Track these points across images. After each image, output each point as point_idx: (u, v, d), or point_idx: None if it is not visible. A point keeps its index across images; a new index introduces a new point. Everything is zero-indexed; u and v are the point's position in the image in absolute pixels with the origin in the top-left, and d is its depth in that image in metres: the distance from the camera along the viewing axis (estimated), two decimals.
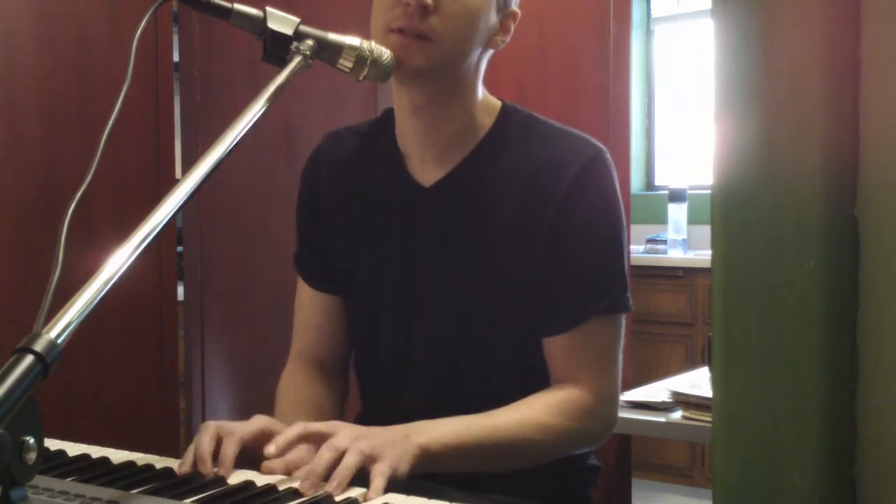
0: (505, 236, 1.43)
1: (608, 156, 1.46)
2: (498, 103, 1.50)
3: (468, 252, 1.45)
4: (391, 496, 1.12)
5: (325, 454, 1.15)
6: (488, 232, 1.44)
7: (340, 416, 1.55)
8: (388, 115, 1.52)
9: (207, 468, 1.18)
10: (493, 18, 1.42)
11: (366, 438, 1.19)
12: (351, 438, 1.18)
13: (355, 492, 1.13)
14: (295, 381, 1.56)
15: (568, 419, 1.37)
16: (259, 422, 1.28)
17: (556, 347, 1.43)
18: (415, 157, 1.48)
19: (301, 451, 1.23)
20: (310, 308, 1.60)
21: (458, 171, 1.46)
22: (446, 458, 1.26)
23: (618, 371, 1.45)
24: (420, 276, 1.47)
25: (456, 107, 1.44)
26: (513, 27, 1.46)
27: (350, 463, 1.14)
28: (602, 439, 1.47)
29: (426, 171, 1.47)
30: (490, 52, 1.47)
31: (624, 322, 1.47)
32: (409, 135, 1.48)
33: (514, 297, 1.43)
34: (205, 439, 1.21)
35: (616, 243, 1.44)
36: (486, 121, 1.47)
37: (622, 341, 1.46)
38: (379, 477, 1.14)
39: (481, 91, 1.48)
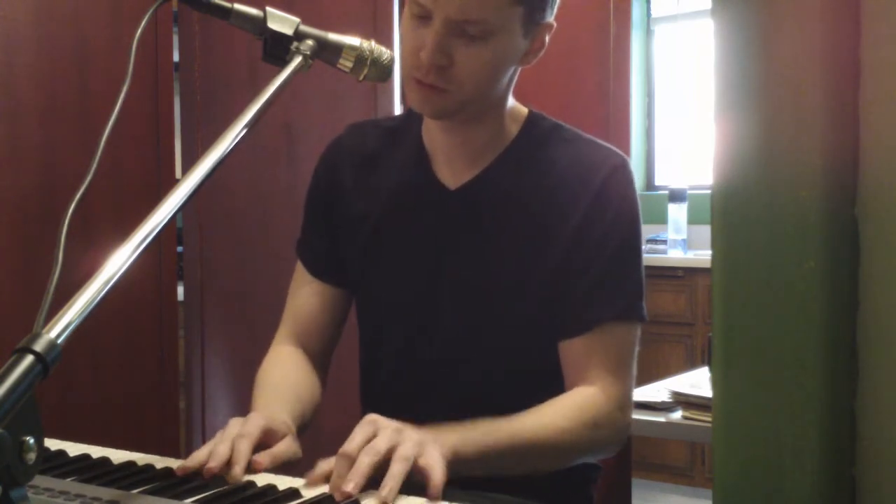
0: (528, 242, 1.43)
1: (630, 165, 1.47)
2: (525, 111, 1.50)
3: (490, 256, 1.44)
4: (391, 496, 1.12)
5: (365, 459, 1.13)
6: (512, 237, 1.44)
7: (317, 407, 1.52)
8: (414, 111, 1.52)
9: (217, 469, 1.16)
10: (521, 45, 1.40)
11: (403, 443, 1.15)
12: (389, 441, 1.15)
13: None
14: (280, 366, 1.53)
15: (584, 423, 1.36)
16: (259, 421, 1.26)
17: (571, 351, 1.42)
18: (441, 159, 1.49)
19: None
20: (306, 295, 1.58)
21: (484, 176, 1.46)
22: (473, 461, 1.24)
23: (632, 379, 1.44)
24: (439, 278, 1.46)
25: (486, 122, 1.46)
26: (548, 37, 1.43)
27: (399, 473, 1.12)
28: (617, 445, 1.45)
29: (453, 173, 1.48)
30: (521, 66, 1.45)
31: (639, 332, 1.46)
32: (437, 140, 1.49)
33: (533, 302, 1.43)
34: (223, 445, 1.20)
35: (635, 252, 1.46)
36: (513, 128, 1.48)
37: (636, 350, 1.45)
38: (437, 471, 1.14)
39: (511, 100, 1.48)
